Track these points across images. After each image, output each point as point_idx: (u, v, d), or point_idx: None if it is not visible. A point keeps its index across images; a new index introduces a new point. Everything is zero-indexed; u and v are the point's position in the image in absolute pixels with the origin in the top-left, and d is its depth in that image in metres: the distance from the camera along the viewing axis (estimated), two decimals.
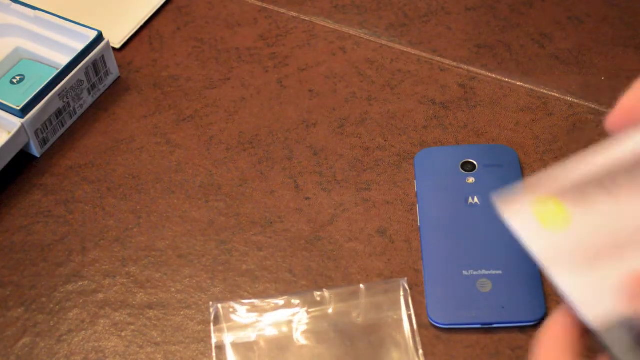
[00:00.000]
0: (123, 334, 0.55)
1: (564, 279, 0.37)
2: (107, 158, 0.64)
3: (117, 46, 0.71)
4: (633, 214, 0.37)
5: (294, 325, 0.54)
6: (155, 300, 0.57)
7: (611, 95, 0.65)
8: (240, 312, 0.55)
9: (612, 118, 0.38)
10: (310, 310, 0.55)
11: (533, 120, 0.64)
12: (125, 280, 0.58)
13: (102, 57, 0.66)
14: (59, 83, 0.63)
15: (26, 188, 0.63)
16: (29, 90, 0.65)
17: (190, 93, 0.68)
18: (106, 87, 0.68)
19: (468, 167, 0.60)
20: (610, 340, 0.35)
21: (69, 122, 0.66)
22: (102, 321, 0.56)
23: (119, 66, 0.69)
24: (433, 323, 0.54)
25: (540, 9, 0.71)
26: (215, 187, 0.62)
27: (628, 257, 0.36)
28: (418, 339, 0.53)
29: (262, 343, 0.53)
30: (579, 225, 0.37)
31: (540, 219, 0.38)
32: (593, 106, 0.64)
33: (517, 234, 0.38)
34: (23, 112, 0.61)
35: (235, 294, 0.56)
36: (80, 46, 0.65)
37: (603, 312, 0.35)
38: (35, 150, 0.64)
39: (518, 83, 0.66)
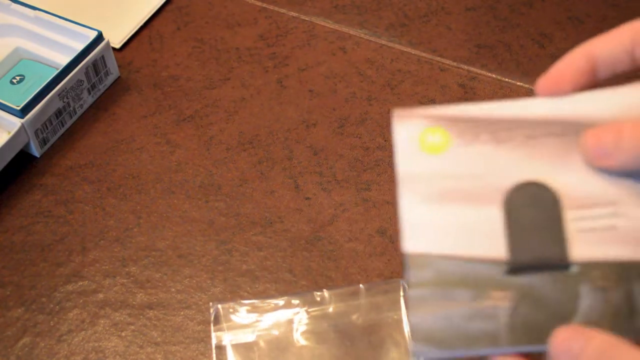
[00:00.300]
0: (123, 334, 0.55)
1: (409, 201, 0.37)
2: (107, 158, 0.64)
3: (117, 46, 0.71)
4: (501, 171, 0.37)
5: (294, 326, 0.54)
6: (155, 300, 0.57)
7: None
8: (241, 312, 0.55)
9: (542, 83, 0.37)
10: (310, 310, 0.55)
11: None
12: (125, 280, 0.58)
13: (102, 57, 0.66)
14: (59, 83, 0.63)
15: (26, 188, 0.63)
16: (29, 90, 0.65)
17: (190, 93, 0.68)
18: (106, 87, 0.68)
19: None
20: (413, 269, 0.36)
21: (69, 122, 0.66)
22: (102, 321, 0.56)
23: (119, 66, 0.69)
24: None
25: (540, 9, 0.71)
26: (215, 187, 0.62)
27: (472, 208, 0.37)
28: None
29: (262, 343, 0.53)
30: (451, 156, 0.38)
31: (422, 141, 0.38)
32: None
33: (395, 149, 0.38)
34: (23, 112, 0.61)
35: (235, 294, 0.56)
36: (80, 46, 0.65)
37: (422, 245, 0.36)
38: (35, 150, 0.64)
39: (518, 83, 0.66)
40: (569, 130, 0.37)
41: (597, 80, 0.38)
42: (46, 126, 0.64)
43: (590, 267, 0.35)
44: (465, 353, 0.35)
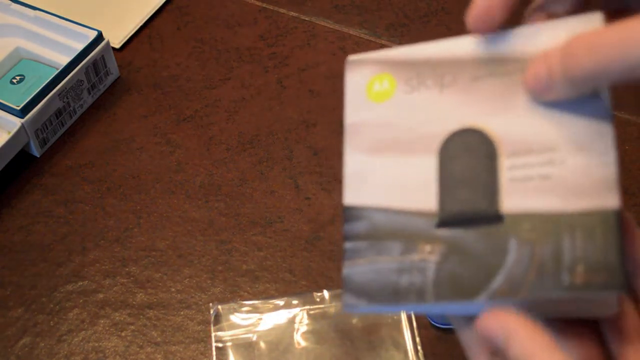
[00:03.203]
0: (123, 334, 0.55)
1: (350, 153, 0.37)
2: (107, 158, 0.64)
3: (117, 46, 0.71)
4: (442, 118, 0.35)
5: (294, 326, 0.54)
6: (155, 300, 0.57)
7: (611, 95, 0.65)
8: (241, 312, 0.55)
9: (473, 16, 0.35)
10: (310, 310, 0.55)
11: None
12: (125, 280, 0.58)
13: (102, 57, 0.66)
14: (59, 83, 0.63)
15: (26, 188, 0.63)
16: (29, 90, 0.65)
17: (190, 93, 0.68)
18: (106, 87, 0.68)
19: None
20: (349, 221, 0.36)
21: (69, 122, 0.66)
22: (102, 321, 0.56)
23: (119, 66, 0.69)
24: (433, 323, 0.54)
25: None
26: (215, 187, 0.62)
27: (408, 159, 0.35)
28: (418, 339, 0.53)
29: (262, 344, 0.53)
30: (395, 104, 0.37)
31: (369, 89, 0.37)
32: None
33: (346, 99, 0.38)
34: (23, 112, 0.61)
35: (235, 294, 0.56)
36: (80, 46, 0.65)
37: (359, 197, 0.36)
38: (35, 150, 0.64)
39: None
40: (514, 68, 0.35)
41: None
42: (46, 126, 0.64)
43: (519, 220, 0.33)
44: (394, 308, 0.34)
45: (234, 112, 0.66)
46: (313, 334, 0.54)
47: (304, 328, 0.54)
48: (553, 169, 0.33)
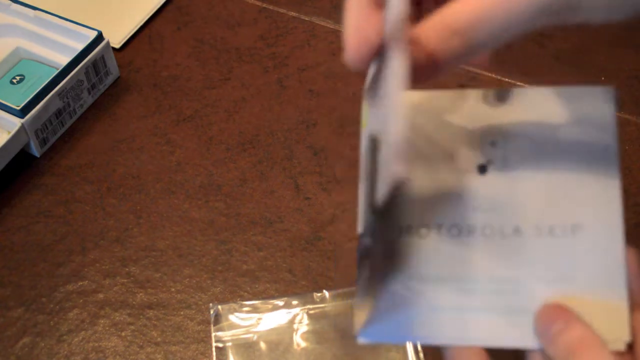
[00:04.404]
0: (123, 334, 0.55)
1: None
2: (107, 158, 0.64)
3: (117, 46, 0.71)
4: None
5: (294, 326, 0.54)
6: (155, 300, 0.57)
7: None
8: (241, 312, 0.55)
9: (350, 45, 0.33)
10: (310, 310, 0.55)
11: None
12: (125, 280, 0.58)
13: (102, 57, 0.66)
14: (59, 83, 0.63)
15: (26, 188, 0.63)
16: (29, 90, 0.65)
17: (190, 93, 0.68)
18: (106, 87, 0.68)
19: None
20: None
21: (69, 122, 0.66)
22: (102, 321, 0.56)
23: (119, 66, 0.69)
24: None
25: None
26: (215, 187, 0.62)
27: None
28: None
29: (262, 344, 0.53)
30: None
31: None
32: None
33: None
34: (23, 112, 0.61)
35: (235, 294, 0.56)
36: (80, 46, 0.65)
37: None
38: (35, 150, 0.64)
39: (518, 83, 0.66)
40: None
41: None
42: (46, 126, 0.64)
43: None
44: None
45: (233, 112, 0.66)
46: (313, 334, 0.54)
47: (304, 328, 0.54)
48: None
